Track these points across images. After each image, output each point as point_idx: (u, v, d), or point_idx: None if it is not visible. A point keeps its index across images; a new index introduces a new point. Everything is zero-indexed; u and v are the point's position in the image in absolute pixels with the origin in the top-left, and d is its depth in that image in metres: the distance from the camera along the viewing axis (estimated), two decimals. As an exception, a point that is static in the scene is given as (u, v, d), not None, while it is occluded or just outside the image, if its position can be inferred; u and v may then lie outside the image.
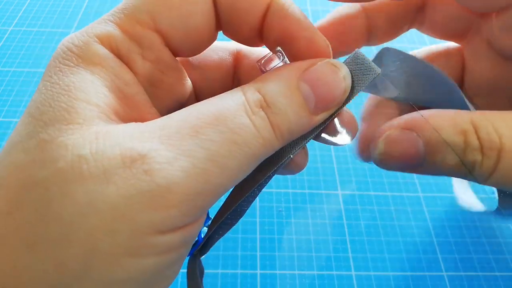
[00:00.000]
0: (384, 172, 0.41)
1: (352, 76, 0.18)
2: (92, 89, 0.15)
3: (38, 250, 0.13)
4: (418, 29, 0.25)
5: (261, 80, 0.17)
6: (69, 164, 0.13)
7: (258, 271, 0.33)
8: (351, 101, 0.18)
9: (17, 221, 0.13)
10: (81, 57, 0.16)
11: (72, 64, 0.16)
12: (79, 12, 0.54)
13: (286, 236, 0.35)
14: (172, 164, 0.13)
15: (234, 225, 0.20)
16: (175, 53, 0.19)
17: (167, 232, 0.14)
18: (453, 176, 0.20)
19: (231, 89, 0.18)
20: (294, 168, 0.20)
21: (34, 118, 0.14)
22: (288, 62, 0.19)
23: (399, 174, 0.41)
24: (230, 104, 0.15)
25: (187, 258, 0.22)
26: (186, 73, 0.20)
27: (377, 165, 0.20)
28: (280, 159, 0.18)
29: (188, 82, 0.20)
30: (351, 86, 0.18)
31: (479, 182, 0.19)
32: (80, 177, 0.13)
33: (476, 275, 0.34)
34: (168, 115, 0.15)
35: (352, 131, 0.19)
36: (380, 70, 0.18)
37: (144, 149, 0.13)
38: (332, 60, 0.17)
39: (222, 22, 0.19)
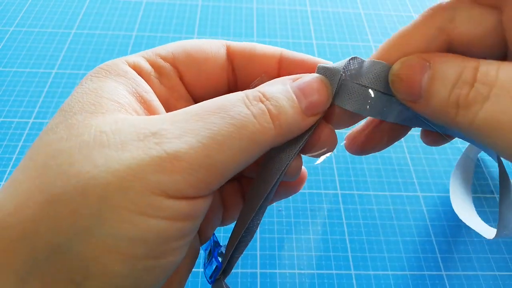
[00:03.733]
0: (383, 171, 0.41)
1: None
2: (115, 91, 0.18)
3: (56, 201, 0.14)
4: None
5: (259, 86, 0.19)
6: (92, 136, 0.15)
7: (258, 270, 0.33)
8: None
9: (41, 182, 0.15)
10: (109, 71, 0.19)
11: (100, 75, 0.18)
12: (80, 13, 0.55)
13: (286, 235, 0.36)
14: (179, 139, 0.15)
15: (249, 241, 0.21)
16: (189, 90, 0.22)
17: (173, 198, 0.15)
18: (443, 123, 0.18)
19: (227, 84, 0.22)
20: (293, 173, 0.21)
21: (64, 111, 0.17)
22: None
23: (398, 174, 0.41)
24: (231, 98, 0.17)
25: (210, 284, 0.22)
26: None
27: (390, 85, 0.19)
28: (280, 166, 0.20)
29: None
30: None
31: (463, 131, 0.17)
32: (100, 145, 0.15)
33: (475, 274, 0.34)
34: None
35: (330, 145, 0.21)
36: (341, 69, 0.19)
37: (155, 128, 0.16)
38: (317, 74, 0.20)
39: (238, 74, 0.22)
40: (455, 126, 0.17)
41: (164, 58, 0.21)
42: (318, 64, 0.20)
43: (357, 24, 0.57)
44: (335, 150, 0.21)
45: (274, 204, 0.38)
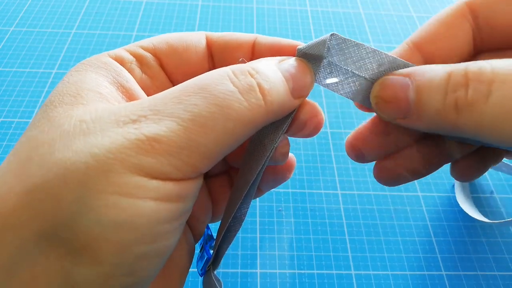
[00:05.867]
0: (383, 172, 0.41)
1: None
2: (95, 82, 0.18)
3: (38, 190, 0.14)
4: None
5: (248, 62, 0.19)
6: (72, 126, 0.15)
7: (258, 270, 0.33)
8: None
9: (21, 173, 0.14)
10: (89, 64, 0.19)
11: (81, 69, 0.18)
12: (80, 13, 0.55)
13: (285, 235, 0.36)
14: (158, 123, 0.15)
15: (238, 231, 0.21)
16: (171, 79, 0.22)
17: (158, 179, 0.15)
18: (440, 130, 0.17)
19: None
20: (280, 157, 0.21)
21: (45, 106, 0.17)
22: None
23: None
24: (214, 75, 0.17)
25: (202, 277, 0.22)
26: None
27: (375, 111, 0.19)
28: (264, 151, 0.19)
29: None
30: None
31: (467, 132, 0.16)
32: (80, 133, 0.15)
33: (475, 274, 0.34)
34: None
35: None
36: (323, 54, 0.19)
37: (135, 115, 0.15)
38: (299, 58, 0.20)
39: (216, 60, 0.22)
40: (457, 129, 0.17)
41: (145, 48, 0.21)
42: (298, 47, 0.20)
43: (357, 24, 0.57)
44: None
45: (274, 204, 0.38)
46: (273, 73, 0.18)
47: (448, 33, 0.21)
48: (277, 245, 0.35)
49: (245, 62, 0.20)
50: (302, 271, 0.33)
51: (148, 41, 0.21)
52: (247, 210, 0.21)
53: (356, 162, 0.42)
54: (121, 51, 0.20)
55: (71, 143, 0.15)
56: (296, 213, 0.37)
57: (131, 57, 0.20)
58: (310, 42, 0.20)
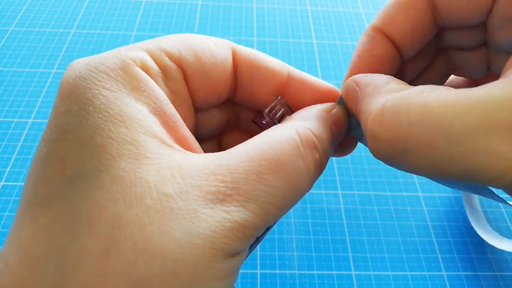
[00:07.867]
0: (383, 171, 0.41)
1: None
2: (144, 119, 0.16)
3: (145, 286, 0.13)
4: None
5: (305, 119, 0.19)
6: (157, 202, 0.14)
7: (258, 271, 0.33)
8: None
9: (116, 261, 0.13)
10: (120, 81, 0.16)
11: (113, 88, 0.16)
12: (79, 13, 0.55)
13: (286, 235, 0.36)
14: (245, 206, 0.15)
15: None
16: (191, 94, 0.20)
17: (235, 257, 0.15)
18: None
19: (230, 90, 0.21)
20: None
21: (92, 148, 0.14)
22: (287, 106, 0.22)
23: (399, 173, 0.41)
24: (286, 147, 0.17)
25: None
26: (193, 113, 0.21)
27: None
28: None
29: (192, 122, 0.21)
30: None
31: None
32: (171, 215, 0.14)
33: (475, 274, 0.34)
34: (231, 152, 0.16)
35: None
36: None
37: (220, 194, 0.15)
38: (343, 106, 0.20)
39: (240, 83, 0.21)
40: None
41: (170, 56, 0.18)
42: (341, 95, 0.20)
43: (357, 24, 0.57)
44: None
45: (274, 204, 0.38)
46: (327, 137, 0.18)
47: (407, 15, 0.20)
48: (277, 245, 0.35)
49: (282, 100, 0.21)
50: (302, 272, 0.33)
51: (174, 46, 0.18)
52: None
53: (356, 162, 0.42)
54: (146, 58, 0.17)
55: (166, 227, 0.14)
56: (296, 213, 0.37)
57: (156, 68, 0.18)
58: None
